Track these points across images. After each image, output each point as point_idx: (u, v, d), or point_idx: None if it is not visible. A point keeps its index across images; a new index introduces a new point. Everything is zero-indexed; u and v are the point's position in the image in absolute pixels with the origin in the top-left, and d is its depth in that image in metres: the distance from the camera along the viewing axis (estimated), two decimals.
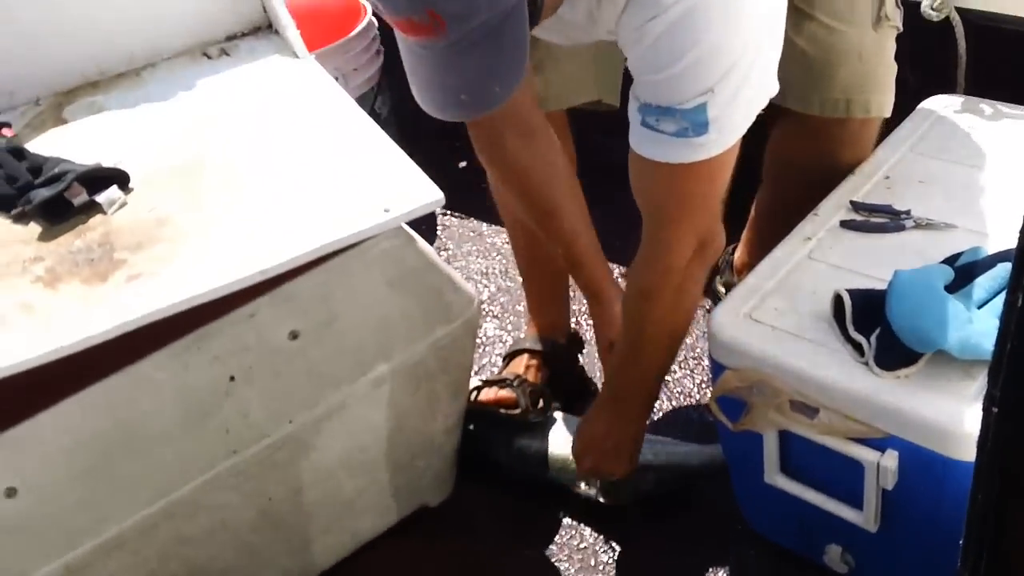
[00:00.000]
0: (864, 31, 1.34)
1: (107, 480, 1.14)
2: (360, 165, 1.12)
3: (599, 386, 1.74)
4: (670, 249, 1.16)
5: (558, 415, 1.58)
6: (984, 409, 0.62)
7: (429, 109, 0.97)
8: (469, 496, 1.57)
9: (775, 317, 1.11)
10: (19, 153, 1.20)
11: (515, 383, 1.62)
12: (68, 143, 1.27)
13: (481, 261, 2.15)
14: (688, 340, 1.82)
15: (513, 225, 1.65)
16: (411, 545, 1.51)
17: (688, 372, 1.77)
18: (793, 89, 1.35)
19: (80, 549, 1.12)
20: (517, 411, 1.59)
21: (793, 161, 1.47)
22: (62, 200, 1.10)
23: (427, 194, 1.03)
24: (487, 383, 1.64)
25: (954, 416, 0.93)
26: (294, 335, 1.23)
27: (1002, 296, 0.73)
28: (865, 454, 1.01)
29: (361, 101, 1.34)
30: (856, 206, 1.25)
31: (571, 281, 1.62)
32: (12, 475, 1.08)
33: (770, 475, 1.12)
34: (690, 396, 1.72)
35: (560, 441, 1.52)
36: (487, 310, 1.98)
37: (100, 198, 1.11)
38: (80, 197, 1.11)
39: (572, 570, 1.47)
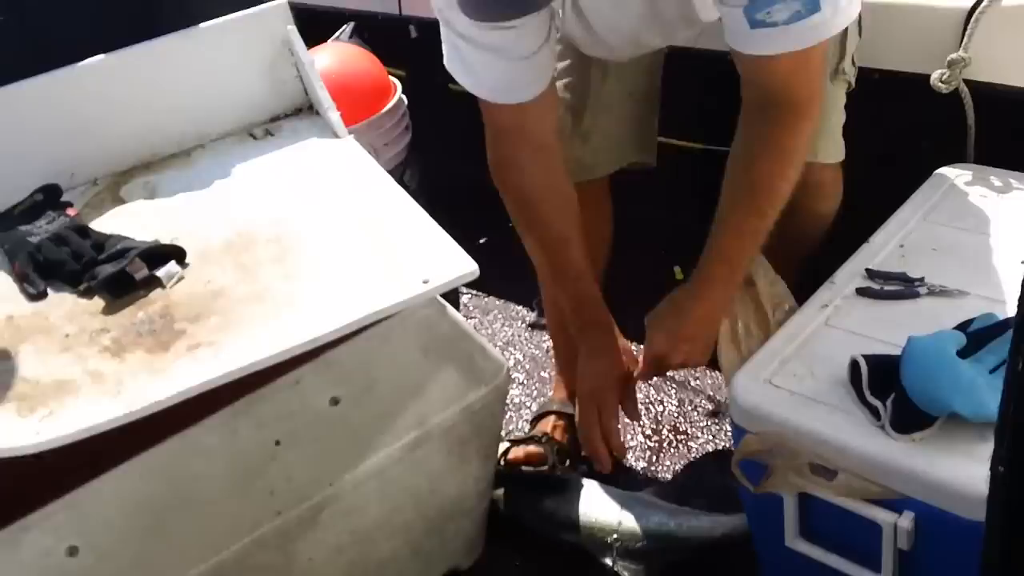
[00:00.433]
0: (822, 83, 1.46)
1: (161, 540, 1.20)
2: (399, 238, 1.19)
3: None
4: (792, 133, 1.26)
5: (585, 480, 1.62)
6: (992, 469, 0.67)
7: (473, 10, 1.08)
8: (498, 560, 1.61)
9: (794, 382, 1.16)
10: (83, 231, 1.29)
11: (543, 440, 1.68)
12: (126, 221, 1.36)
13: (507, 330, 2.21)
14: (709, 406, 1.87)
15: (546, 284, 1.72)
16: None
17: (711, 438, 1.81)
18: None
19: None
20: (545, 467, 1.64)
21: None
22: (125, 275, 1.18)
23: (463, 266, 1.10)
24: (515, 442, 1.69)
25: (968, 477, 0.97)
26: (335, 401, 1.29)
27: None
28: (882, 515, 1.04)
29: (391, 174, 1.43)
30: (871, 274, 1.30)
31: None
32: (75, 535, 1.14)
33: (791, 539, 1.16)
34: (713, 461, 1.76)
35: (591, 505, 1.56)
36: (513, 377, 2.04)
37: (160, 272, 1.19)
38: (141, 272, 1.19)
39: None
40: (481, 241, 2.20)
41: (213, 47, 1.51)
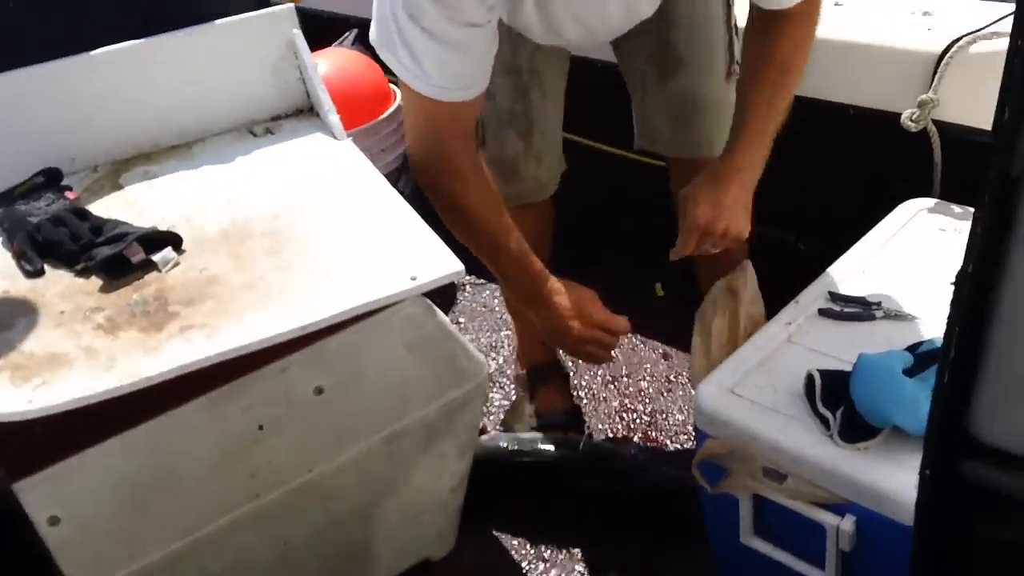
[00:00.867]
0: (719, 82, 1.61)
1: (142, 515, 1.24)
2: (390, 237, 1.24)
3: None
4: (810, 18, 1.39)
5: None
6: (920, 473, 0.73)
7: None
8: (468, 552, 1.67)
9: (755, 392, 1.23)
10: (82, 214, 1.33)
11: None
12: (124, 207, 1.40)
13: (491, 335, 2.27)
14: (680, 417, 1.94)
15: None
16: None
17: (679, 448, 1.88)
18: (662, 136, 1.64)
19: None
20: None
21: None
22: (122, 258, 1.23)
23: (449, 265, 1.15)
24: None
25: (906, 485, 1.02)
26: (320, 390, 1.35)
27: None
28: (826, 518, 1.11)
29: (387, 179, 1.48)
30: (833, 296, 1.38)
31: None
32: (57, 505, 1.18)
33: (745, 537, 1.22)
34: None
35: None
36: (494, 381, 2.10)
37: (156, 257, 1.24)
38: (138, 256, 1.23)
39: None
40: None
41: (220, 46, 1.56)
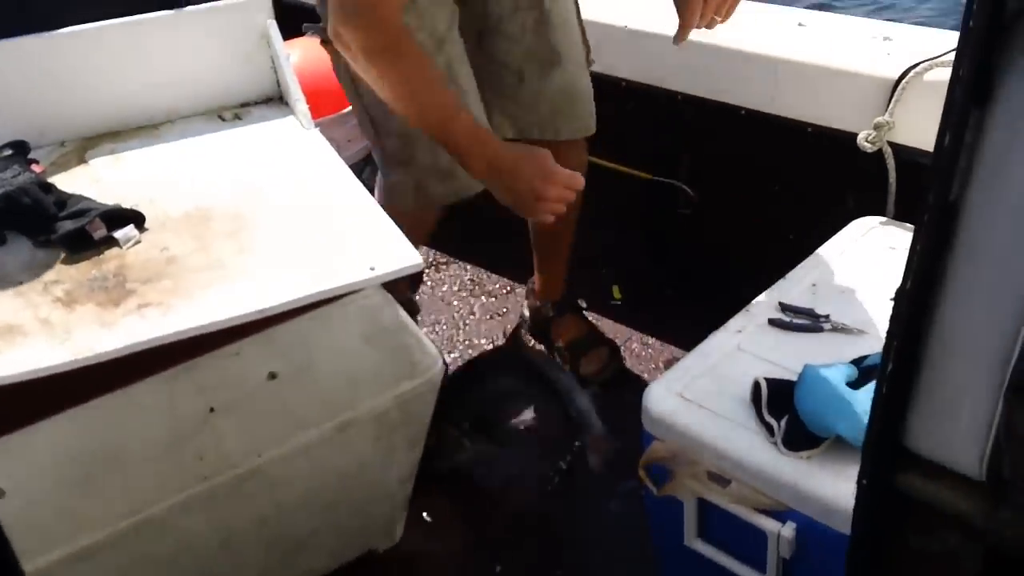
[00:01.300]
0: (585, 72, 1.80)
1: (87, 493, 1.23)
2: (351, 227, 1.25)
3: None
4: None
5: None
6: (857, 482, 0.76)
7: None
8: (413, 544, 1.68)
9: (703, 397, 1.25)
10: (46, 187, 1.33)
11: None
12: (89, 183, 1.40)
13: (448, 329, 2.29)
14: None
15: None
16: None
17: None
18: (547, 123, 1.79)
19: (52, 555, 1.19)
20: None
21: None
22: (84, 233, 1.23)
23: (408, 258, 1.17)
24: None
25: (845, 494, 1.06)
26: (273, 375, 1.35)
27: None
28: (768, 524, 1.14)
29: (351, 170, 1.50)
30: (784, 307, 1.41)
31: None
32: (4, 477, 1.17)
33: (689, 539, 1.25)
34: None
35: None
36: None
37: (118, 234, 1.24)
38: (100, 232, 1.23)
39: None
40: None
41: (193, 31, 1.56)
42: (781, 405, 1.17)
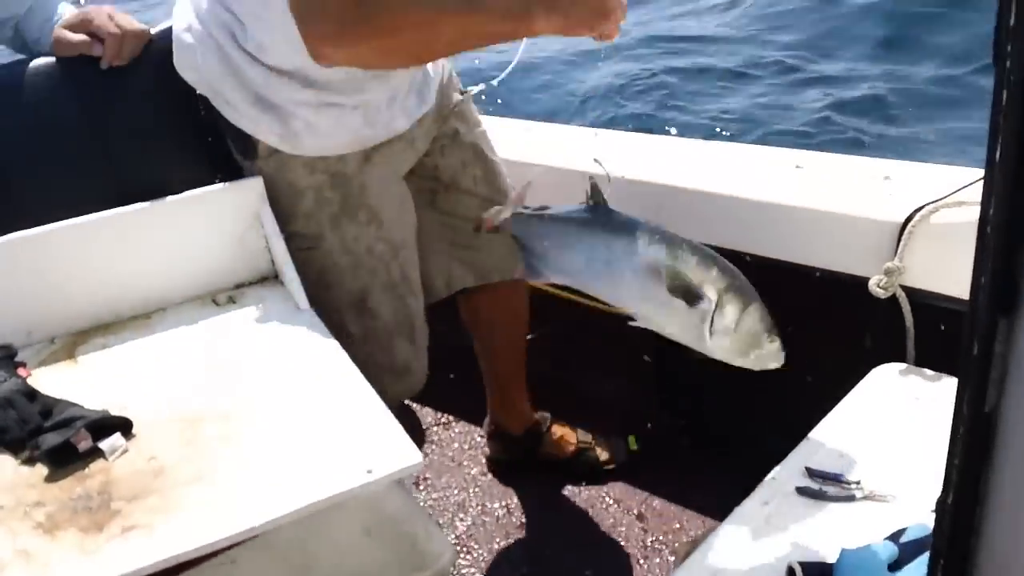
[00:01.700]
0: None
1: None
2: (348, 423, 1.20)
3: None
4: None
5: None
6: None
7: None
8: None
9: None
10: (31, 395, 1.29)
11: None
12: (78, 383, 1.36)
13: (459, 494, 2.20)
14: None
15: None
16: None
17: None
18: (505, 264, 1.83)
19: None
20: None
21: (496, 320, 2.03)
22: (69, 446, 1.18)
23: (408, 457, 1.11)
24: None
25: None
26: None
27: None
28: None
29: None
30: (811, 472, 1.33)
31: None
32: None
33: None
34: None
35: None
36: (463, 544, 2.01)
37: (104, 445, 1.19)
38: (85, 443, 1.18)
39: None
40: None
41: (186, 217, 1.55)
42: None
